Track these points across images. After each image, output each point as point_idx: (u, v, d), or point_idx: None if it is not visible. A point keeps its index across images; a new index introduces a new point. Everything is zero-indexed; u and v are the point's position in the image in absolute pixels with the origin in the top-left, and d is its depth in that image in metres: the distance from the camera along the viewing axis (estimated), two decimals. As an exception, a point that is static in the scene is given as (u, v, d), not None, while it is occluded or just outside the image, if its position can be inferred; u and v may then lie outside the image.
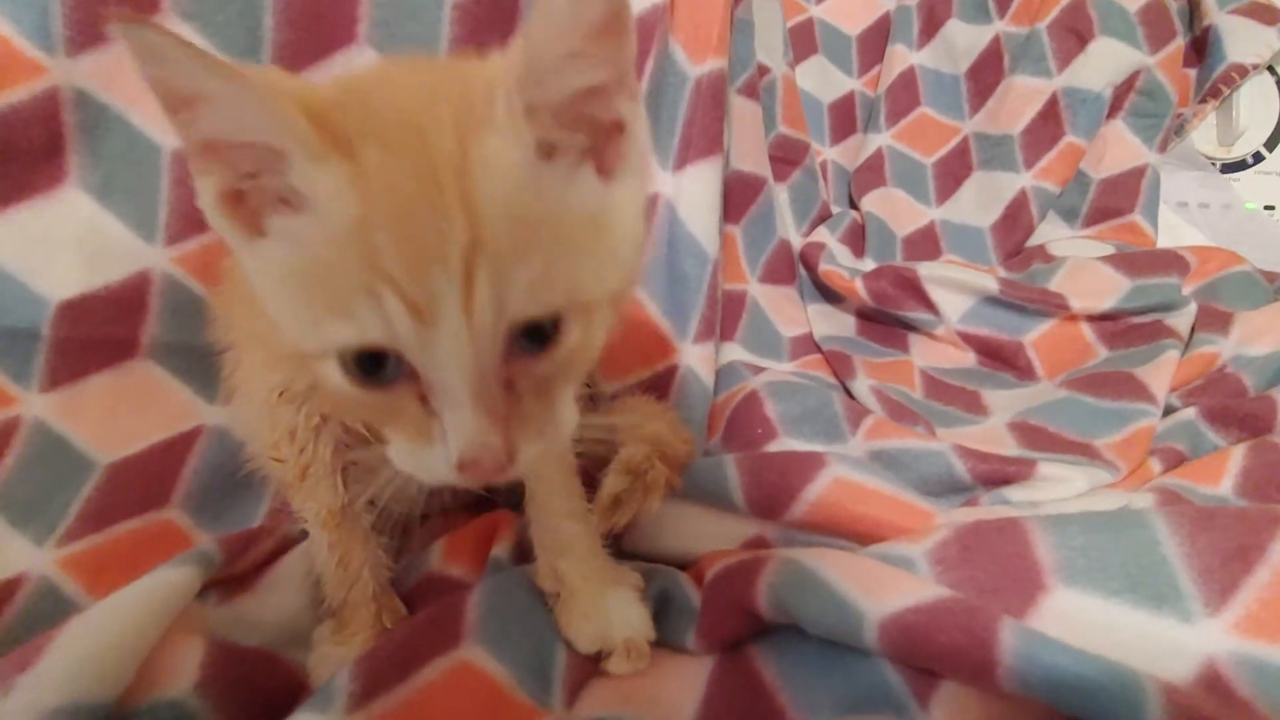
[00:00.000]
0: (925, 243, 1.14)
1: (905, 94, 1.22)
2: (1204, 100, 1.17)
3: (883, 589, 0.45)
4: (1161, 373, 0.80)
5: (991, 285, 0.94)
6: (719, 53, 0.77)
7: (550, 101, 0.35)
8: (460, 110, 0.34)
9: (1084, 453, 0.71)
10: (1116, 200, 1.11)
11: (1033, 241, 1.13)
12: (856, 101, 1.26)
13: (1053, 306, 0.92)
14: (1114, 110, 1.12)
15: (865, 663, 0.46)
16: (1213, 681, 0.41)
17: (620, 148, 0.38)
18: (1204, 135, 1.22)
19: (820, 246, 1.05)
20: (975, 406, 0.86)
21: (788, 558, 0.49)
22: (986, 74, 1.20)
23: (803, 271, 1.06)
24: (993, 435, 0.77)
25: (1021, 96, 1.14)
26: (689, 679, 0.50)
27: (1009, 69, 1.17)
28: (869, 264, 1.09)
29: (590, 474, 0.62)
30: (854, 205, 1.20)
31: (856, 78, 1.27)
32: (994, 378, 0.93)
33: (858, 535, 0.55)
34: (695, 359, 0.77)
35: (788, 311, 1.01)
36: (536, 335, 0.35)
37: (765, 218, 0.99)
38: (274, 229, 0.35)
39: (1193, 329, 0.87)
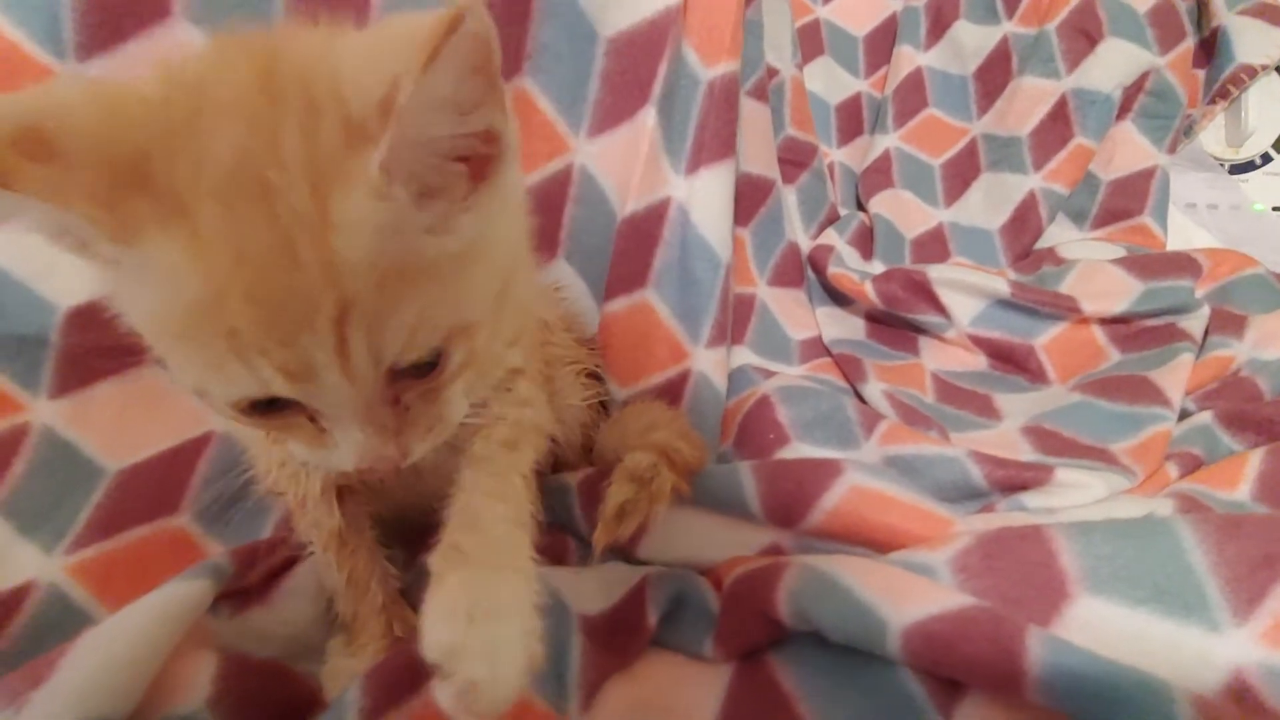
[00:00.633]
0: (934, 244, 1.13)
1: (913, 95, 1.21)
2: (1213, 101, 1.17)
3: (905, 597, 0.45)
4: (1176, 376, 0.79)
5: (1002, 288, 0.94)
6: (732, 55, 0.77)
7: (425, 156, 0.32)
8: (309, 148, 0.31)
9: (1100, 458, 0.70)
10: (1126, 202, 1.11)
11: (1042, 244, 1.12)
12: (864, 103, 1.26)
13: (1064, 309, 0.92)
14: (1123, 111, 1.12)
15: (887, 672, 0.46)
16: (1241, 692, 0.40)
17: (493, 152, 0.36)
18: (1213, 136, 1.21)
19: (829, 249, 1.04)
20: (988, 410, 0.85)
21: (808, 564, 0.49)
22: (995, 75, 1.19)
23: (811, 274, 1.06)
24: (1007, 440, 0.76)
25: (1030, 97, 1.14)
26: (707, 687, 0.49)
27: (1017, 70, 1.17)
28: (877, 266, 1.09)
29: (594, 484, 0.62)
30: (861, 207, 1.19)
31: (863, 79, 1.26)
32: (1005, 381, 0.92)
33: (876, 543, 0.54)
34: (708, 364, 0.77)
35: (797, 314, 1.01)
36: (422, 365, 0.36)
37: (774, 220, 0.99)
38: (120, 274, 0.32)
39: (1206, 332, 0.87)
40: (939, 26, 1.23)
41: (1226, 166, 1.21)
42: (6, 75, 0.57)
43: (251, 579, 0.57)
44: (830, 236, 1.08)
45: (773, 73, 0.99)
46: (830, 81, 1.24)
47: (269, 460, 0.52)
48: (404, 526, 0.65)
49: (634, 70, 0.76)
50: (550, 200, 0.77)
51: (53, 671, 0.41)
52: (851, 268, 1.02)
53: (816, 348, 0.99)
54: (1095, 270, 0.95)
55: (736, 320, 0.90)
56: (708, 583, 0.56)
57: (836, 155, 1.22)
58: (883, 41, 1.27)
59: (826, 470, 0.57)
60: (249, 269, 0.30)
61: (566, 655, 0.50)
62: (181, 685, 0.45)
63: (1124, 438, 0.73)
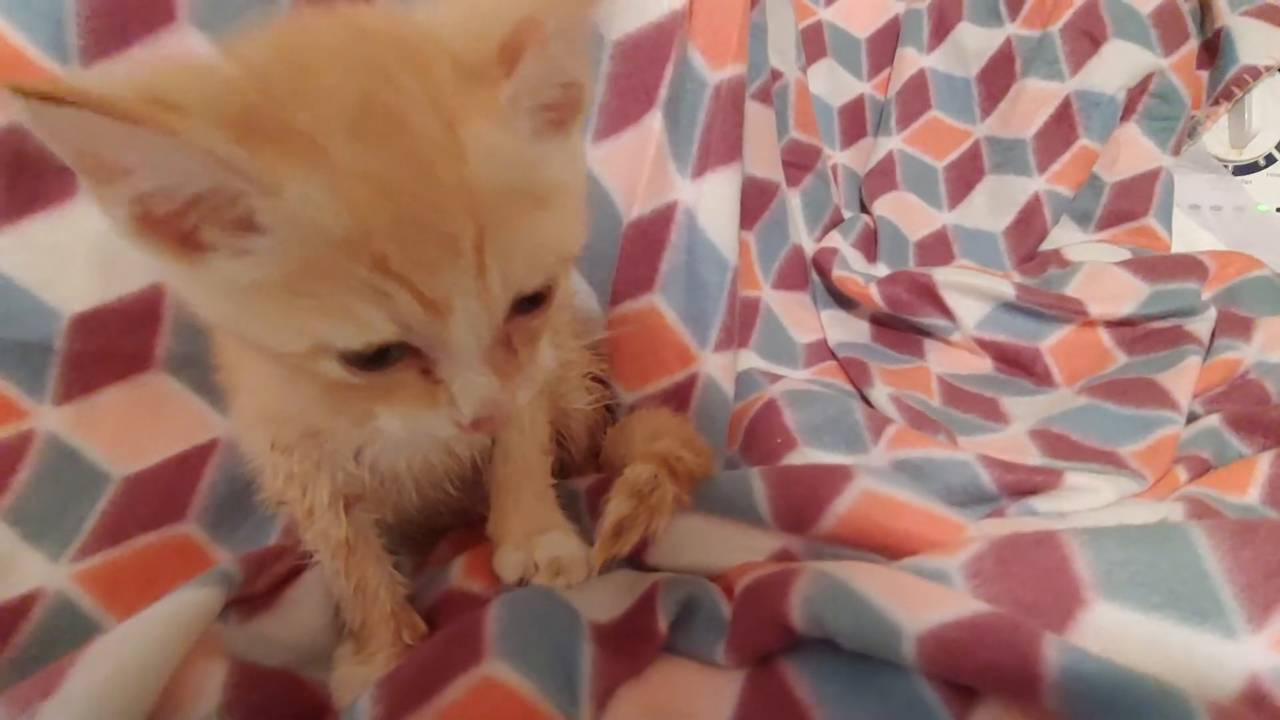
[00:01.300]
0: (938, 247, 1.13)
1: (916, 97, 1.21)
2: (1216, 102, 1.17)
3: (920, 603, 0.44)
4: (1184, 379, 0.79)
5: (1008, 291, 0.93)
6: (738, 58, 0.77)
7: (543, 95, 0.36)
8: (431, 88, 0.33)
9: (1109, 461, 0.70)
10: (1130, 204, 1.10)
11: (1046, 246, 1.12)
12: (866, 105, 1.25)
13: (1070, 312, 0.92)
14: (1127, 113, 1.12)
15: (901, 679, 0.45)
16: (1257, 699, 0.40)
17: (575, 102, 0.39)
18: (1216, 137, 1.21)
19: (833, 252, 1.04)
20: (995, 414, 0.85)
21: (821, 570, 0.48)
22: (998, 77, 1.19)
23: (816, 277, 1.05)
24: (1015, 443, 0.76)
25: (1034, 100, 1.14)
26: (719, 693, 0.49)
27: (1021, 72, 1.17)
28: (881, 269, 1.09)
29: (601, 491, 0.62)
30: (865, 209, 1.19)
31: (866, 81, 1.26)
32: (1012, 384, 0.92)
33: (888, 549, 0.54)
34: (716, 367, 0.76)
35: (801, 318, 1.01)
36: (532, 297, 0.37)
37: (778, 223, 0.98)
38: (226, 245, 0.32)
39: (1213, 334, 0.86)
40: (942, 28, 1.23)
41: (1230, 168, 1.21)
42: (9, 80, 0.57)
43: (259, 586, 0.56)
44: (834, 239, 1.08)
45: (777, 75, 0.99)
46: (833, 83, 1.23)
47: (276, 471, 0.51)
48: (409, 534, 0.65)
49: (640, 74, 0.75)
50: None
51: (62, 681, 0.41)
52: (856, 270, 1.02)
53: (822, 351, 0.99)
54: (1101, 273, 0.95)
55: (742, 324, 0.90)
56: (718, 589, 0.55)
57: (840, 157, 1.22)
58: (885, 43, 1.27)
59: (838, 475, 0.56)
60: (393, 199, 0.31)
61: (577, 662, 0.50)
62: (191, 693, 0.45)
63: (1132, 441, 0.73)
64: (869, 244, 1.12)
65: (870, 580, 0.47)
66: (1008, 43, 1.19)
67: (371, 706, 0.44)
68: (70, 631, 0.57)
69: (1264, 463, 0.66)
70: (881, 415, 0.78)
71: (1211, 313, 0.87)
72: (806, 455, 0.73)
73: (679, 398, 0.75)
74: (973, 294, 0.95)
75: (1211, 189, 1.20)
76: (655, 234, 0.77)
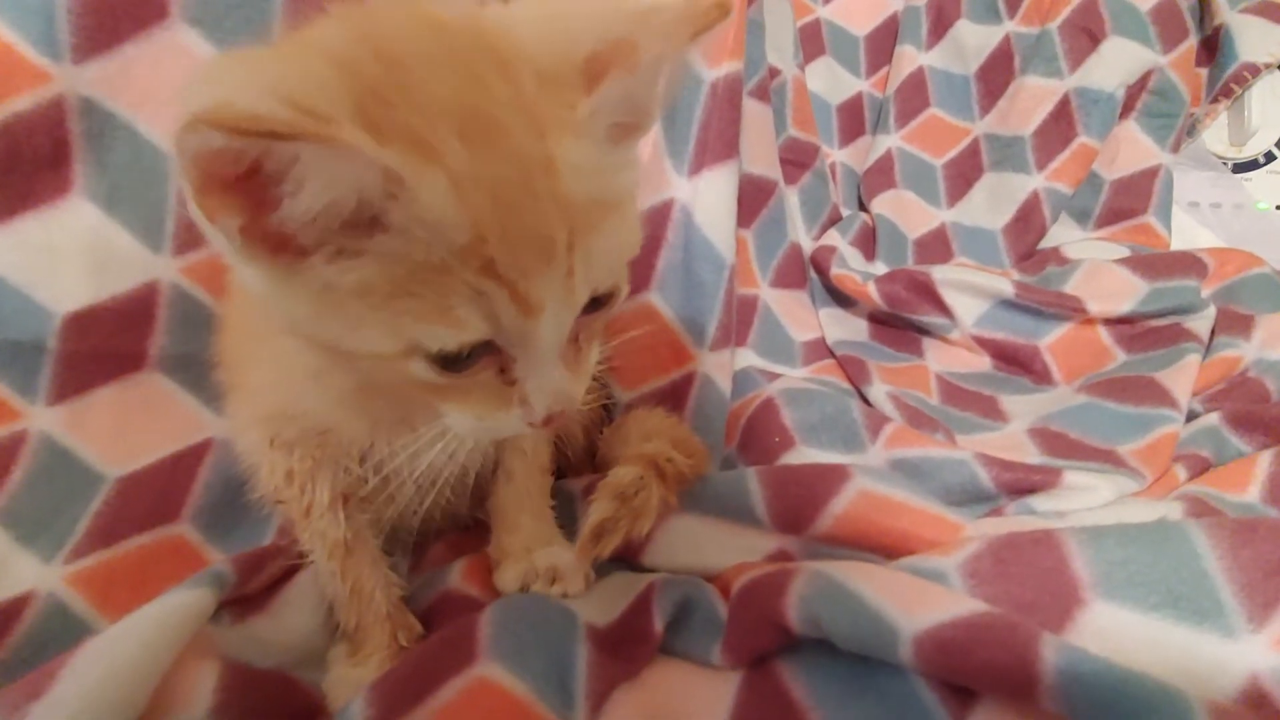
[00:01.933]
0: (937, 245, 1.13)
1: (915, 95, 1.21)
2: (1216, 99, 1.17)
3: (917, 603, 0.44)
4: (1183, 377, 0.78)
5: (1006, 288, 0.93)
6: (735, 55, 0.76)
7: (624, 106, 0.37)
8: (521, 97, 0.34)
9: (1108, 460, 0.70)
10: (1129, 201, 1.10)
11: (1045, 243, 1.12)
12: (865, 103, 1.25)
13: (1069, 310, 0.91)
14: (1126, 110, 1.11)
15: (898, 680, 0.45)
16: (1257, 699, 0.40)
17: (647, 119, 0.40)
18: (1216, 135, 1.21)
19: (831, 250, 1.04)
20: (993, 412, 0.84)
21: (818, 571, 0.48)
22: (997, 74, 1.19)
23: (814, 275, 1.05)
24: (1014, 442, 0.76)
25: (1033, 97, 1.13)
26: (716, 694, 0.49)
27: (1020, 69, 1.16)
28: (880, 267, 1.08)
29: (589, 495, 0.62)
30: (864, 207, 1.18)
31: (865, 79, 1.26)
32: (1011, 382, 0.91)
33: (885, 548, 0.54)
34: (713, 366, 0.76)
35: (800, 316, 1.00)
36: (600, 297, 0.39)
37: (776, 221, 0.98)
38: (328, 250, 0.33)
39: (1212, 332, 0.86)
40: (940, 26, 1.22)
41: (1230, 165, 1.21)
42: (3, 78, 0.57)
43: (253, 587, 0.56)
44: (832, 237, 1.07)
45: (774, 73, 0.98)
46: (831, 81, 1.23)
47: (274, 469, 0.51)
48: (401, 535, 0.65)
49: (636, 70, 0.75)
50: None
51: (53, 683, 0.41)
52: (854, 268, 1.02)
53: (819, 349, 0.99)
54: (1100, 270, 0.95)
55: (739, 322, 0.89)
56: (715, 589, 0.55)
57: (838, 155, 1.21)
58: (884, 41, 1.26)
59: (835, 475, 0.56)
60: (503, 206, 0.33)
61: (572, 664, 0.49)
62: (183, 695, 0.44)
63: (1131, 439, 0.73)
64: (867, 242, 1.12)
65: (867, 580, 0.46)
66: (1006, 40, 1.18)
67: (365, 709, 0.44)
68: (62, 634, 0.56)
69: (1264, 461, 0.66)
70: (879, 414, 0.78)
71: (1211, 310, 0.87)
72: (804, 454, 0.73)
73: (676, 396, 0.75)
74: (971, 292, 0.95)
75: (1211, 186, 1.19)
76: (651, 232, 0.77)
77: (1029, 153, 1.12)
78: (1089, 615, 0.43)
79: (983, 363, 0.95)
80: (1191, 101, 1.15)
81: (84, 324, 0.63)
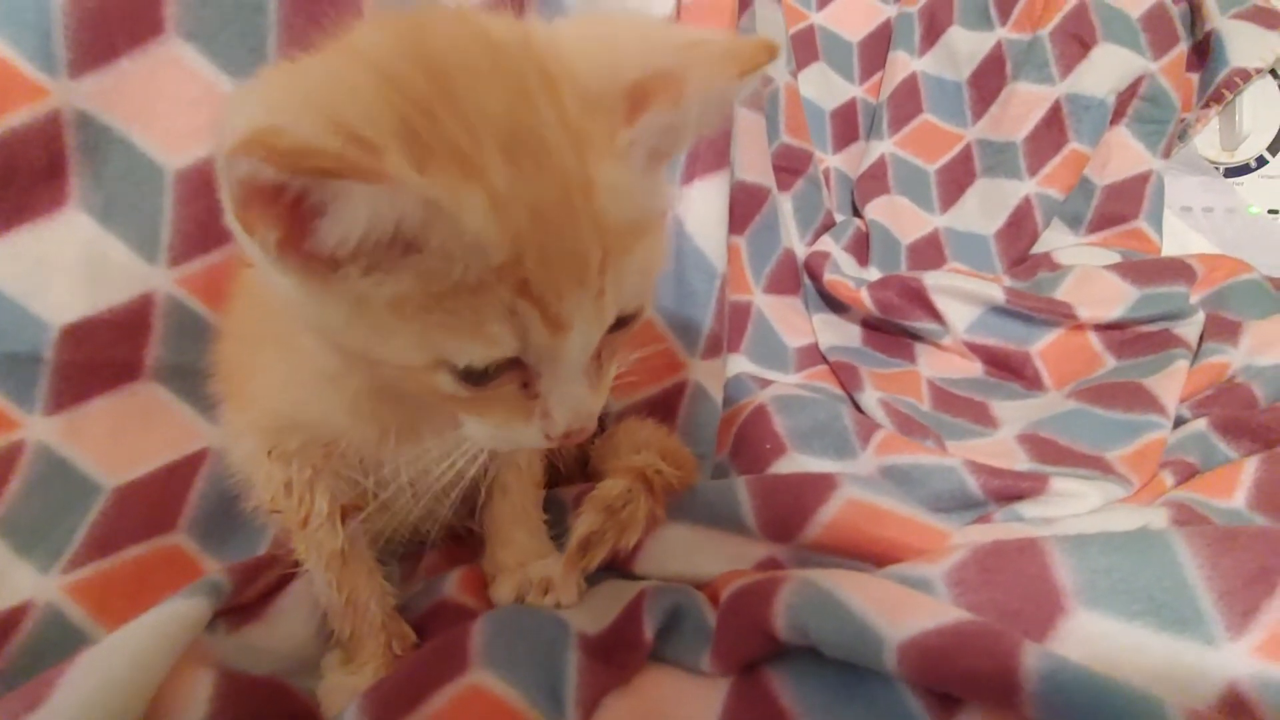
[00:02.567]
0: (929, 250, 1.13)
1: (908, 101, 1.21)
2: (1207, 105, 1.17)
3: (902, 611, 0.45)
4: (1171, 383, 0.79)
5: (998, 295, 0.94)
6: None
7: (661, 135, 0.37)
8: (564, 117, 0.34)
9: (1096, 466, 0.70)
10: (1121, 207, 1.11)
11: (1037, 249, 1.12)
12: (859, 109, 1.26)
13: (1060, 316, 0.92)
14: (1117, 116, 1.12)
15: (884, 687, 0.46)
16: (1236, 706, 0.40)
17: (679, 147, 0.41)
18: (1207, 140, 1.22)
19: (825, 256, 1.04)
20: (984, 418, 0.85)
21: (805, 579, 0.49)
22: (989, 81, 1.19)
23: (807, 281, 1.06)
24: (1003, 448, 0.76)
25: (1025, 103, 1.14)
26: (705, 701, 0.49)
27: (1011, 75, 1.17)
28: (874, 272, 1.09)
29: (579, 504, 0.62)
30: (857, 213, 1.19)
31: (858, 85, 1.27)
32: (1002, 388, 0.92)
33: (872, 556, 0.55)
34: (704, 374, 0.77)
35: (793, 322, 1.01)
36: (625, 317, 0.39)
37: (769, 228, 0.99)
38: (362, 266, 0.33)
39: (1201, 338, 0.87)
40: (933, 32, 1.23)
41: (1221, 170, 1.22)
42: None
43: (249, 595, 0.57)
44: (826, 243, 1.08)
45: (766, 81, 0.99)
46: (825, 87, 1.24)
47: (271, 479, 0.52)
48: (393, 546, 0.65)
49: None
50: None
51: (51, 692, 0.41)
52: (848, 274, 1.02)
53: (813, 355, 0.99)
54: (1091, 276, 0.95)
55: (733, 328, 0.90)
56: (704, 597, 0.56)
57: (832, 161, 1.22)
58: (877, 47, 1.27)
59: (822, 484, 0.57)
60: (542, 227, 0.33)
61: (563, 672, 0.50)
62: (179, 704, 0.45)
63: (1119, 446, 0.73)
64: (861, 248, 1.12)
65: (853, 588, 0.47)
66: (998, 46, 1.19)
67: (358, 715, 0.45)
68: (60, 643, 0.57)
69: (1250, 467, 0.67)
70: (870, 420, 0.79)
71: (1199, 316, 0.87)
72: (796, 461, 0.73)
73: (668, 405, 0.76)
74: (963, 297, 0.96)
75: (1203, 191, 1.20)
76: (644, 241, 0.77)
77: (1021, 158, 1.13)
78: (1072, 623, 0.44)
79: (974, 368, 0.96)
80: (1183, 107, 1.15)
81: (80, 335, 0.64)
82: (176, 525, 0.65)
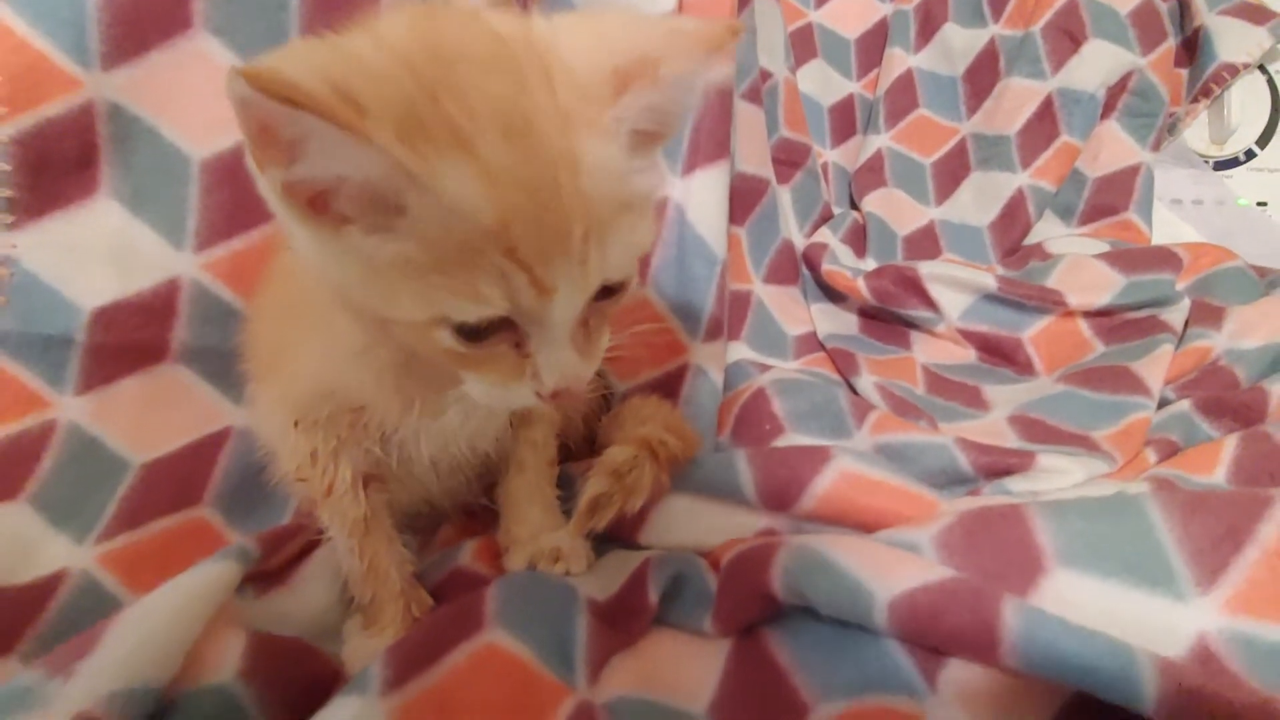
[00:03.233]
0: (925, 242, 1.16)
1: (904, 96, 1.24)
2: (1196, 99, 1.20)
3: (892, 570, 0.47)
4: (1156, 366, 0.82)
5: (990, 283, 0.97)
6: (726, 59, 0.80)
7: (647, 116, 0.40)
8: (555, 101, 0.38)
9: (1082, 444, 0.73)
10: (1112, 198, 1.14)
11: (1030, 240, 1.15)
12: (856, 104, 1.29)
13: (1050, 303, 0.95)
14: (1108, 110, 1.15)
15: (876, 645, 0.48)
16: (1205, 657, 0.43)
17: (670, 132, 0.44)
18: (1197, 133, 1.24)
19: (823, 247, 1.07)
20: (976, 401, 0.88)
21: (801, 543, 0.52)
22: (983, 76, 1.22)
23: (806, 271, 1.09)
24: (994, 429, 0.79)
25: (1018, 97, 1.17)
26: (707, 661, 0.52)
27: (1005, 71, 1.20)
28: (870, 263, 1.12)
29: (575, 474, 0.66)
30: (855, 206, 1.22)
31: (856, 80, 1.30)
32: (994, 373, 0.95)
33: (865, 525, 0.57)
34: (705, 357, 0.80)
35: (792, 311, 1.04)
36: (612, 286, 0.43)
37: (769, 219, 1.02)
38: (364, 222, 0.37)
39: (1186, 323, 0.89)
40: (928, 29, 1.26)
41: (1211, 163, 1.24)
42: (34, 84, 0.60)
43: (274, 563, 0.59)
44: (824, 235, 1.11)
45: (766, 75, 1.02)
46: (823, 83, 1.27)
47: (297, 449, 0.54)
48: (413, 518, 0.68)
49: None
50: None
51: (96, 645, 0.44)
52: (845, 265, 1.05)
53: (811, 343, 1.02)
54: (1080, 265, 0.98)
55: (733, 316, 0.93)
56: (706, 564, 0.58)
57: (830, 155, 1.25)
58: (874, 44, 1.30)
59: (818, 457, 0.59)
60: (529, 198, 0.37)
61: (573, 633, 0.53)
62: (213, 659, 0.48)
63: (1105, 425, 0.76)
64: (858, 239, 1.15)
65: (846, 550, 0.50)
66: (992, 42, 1.22)
67: (381, 669, 0.47)
68: (94, 609, 0.60)
69: (1230, 444, 0.69)
70: (865, 402, 0.81)
71: (1185, 303, 0.90)
72: (793, 440, 0.76)
73: (670, 387, 0.78)
74: (956, 286, 0.98)
75: (1192, 184, 1.23)
76: (647, 229, 0.80)
77: (1014, 151, 1.16)
78: (1051, 582, 0.47)
79: (968, 354, 0.99)
80: (1171, 101, 1.18)
81: (109, 318, 0.66)
82: (202, 499, 0.68)
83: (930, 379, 0.93)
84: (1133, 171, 1.13)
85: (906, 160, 1.23)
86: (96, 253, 0.66)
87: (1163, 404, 0.81)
